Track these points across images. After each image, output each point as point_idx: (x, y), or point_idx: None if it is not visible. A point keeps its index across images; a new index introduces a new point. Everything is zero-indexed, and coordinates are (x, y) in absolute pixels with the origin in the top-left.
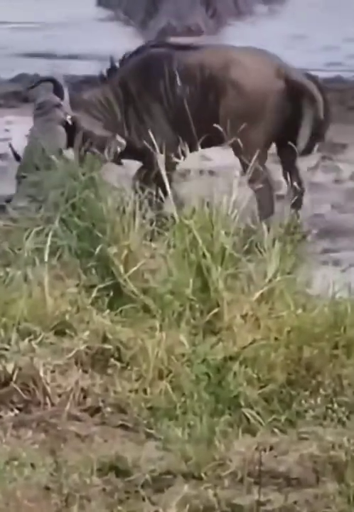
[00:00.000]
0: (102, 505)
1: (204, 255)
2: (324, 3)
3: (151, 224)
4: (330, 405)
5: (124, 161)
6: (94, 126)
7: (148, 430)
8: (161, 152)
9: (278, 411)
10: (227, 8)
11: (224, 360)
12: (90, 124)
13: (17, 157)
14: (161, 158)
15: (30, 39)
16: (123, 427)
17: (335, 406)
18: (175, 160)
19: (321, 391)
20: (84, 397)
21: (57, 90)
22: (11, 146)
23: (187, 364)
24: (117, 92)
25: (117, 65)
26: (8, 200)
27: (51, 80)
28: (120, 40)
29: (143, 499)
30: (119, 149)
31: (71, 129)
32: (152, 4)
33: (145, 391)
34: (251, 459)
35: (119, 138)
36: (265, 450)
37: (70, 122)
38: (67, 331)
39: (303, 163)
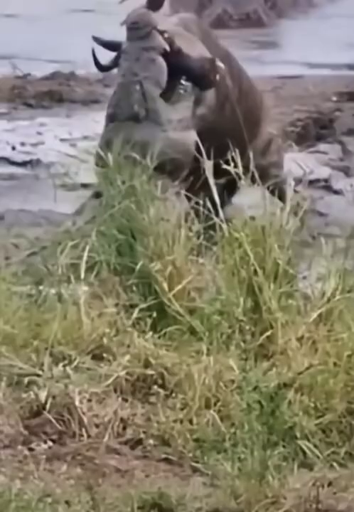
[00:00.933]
0: None
1: (256, 272)
2: None
3: (198, 237)
4: None
5: None
6: (192, 45)
7: (194, 464)
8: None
9: (337, 443)
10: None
11: (278, 387)
12: (187, 41)
13: (100, 66)
14: (208, 165)
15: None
16: (166, 460)
17: None
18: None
19: None
20: (124, 428)
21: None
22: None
23: (237, 392)
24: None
25: None
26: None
27: None
28: None
29: None
30: (217, 77)
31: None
32: None
33: (191, 421)
34: (308, 496)
35: (218, 61)
36: (323, 486)
37: (168, 47)
38: (106, 355)
39: None
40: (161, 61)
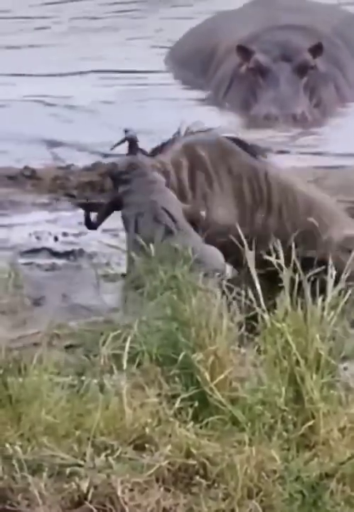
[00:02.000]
0: None
1: (297, 362)
2: None
3: (240, 328)
4: None
5: None
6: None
7: None
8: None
9: None
10: (331, 97)
11: (320, 477)
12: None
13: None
14: (250, 255)
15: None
16: None
17: None
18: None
19: None
20: None
21: (133, 152)
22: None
23: (279, 482)
24: (179, 159)
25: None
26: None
27: (131, 139)
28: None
29: None
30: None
31: None
32: (251, 93)
33: (233, 511)
34: None
35: (202, 212)
36: None
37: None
38: (148, 445)
39: None
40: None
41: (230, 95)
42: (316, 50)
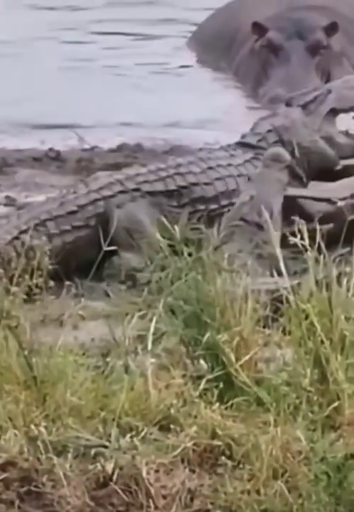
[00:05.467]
0: None
1: (322, 343)
2: None
3: (265, 308)
4: None
5: None
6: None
7: None
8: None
9: None
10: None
11: (345, 458)
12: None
13: None
14: (275, 236)
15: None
16: None
17: None
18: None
19: None
20: (192, 499)
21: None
22: None
23: (304, 463)
24: None
25: None
26: None
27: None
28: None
29: None
30: None
31: None
32: (263, 71)
33: (258, 492)
34: None
35: None
36: None
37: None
38: (173, 426)
39: None
40: None
41: (244, 72)
42: (331, 28)
